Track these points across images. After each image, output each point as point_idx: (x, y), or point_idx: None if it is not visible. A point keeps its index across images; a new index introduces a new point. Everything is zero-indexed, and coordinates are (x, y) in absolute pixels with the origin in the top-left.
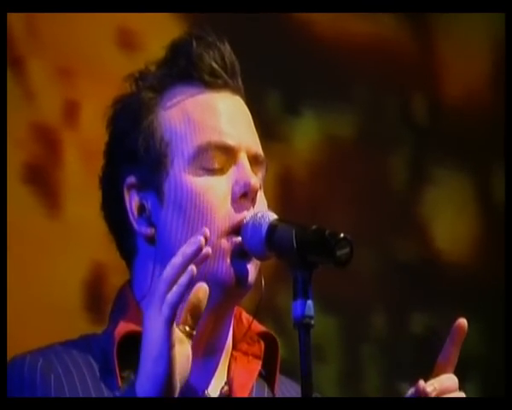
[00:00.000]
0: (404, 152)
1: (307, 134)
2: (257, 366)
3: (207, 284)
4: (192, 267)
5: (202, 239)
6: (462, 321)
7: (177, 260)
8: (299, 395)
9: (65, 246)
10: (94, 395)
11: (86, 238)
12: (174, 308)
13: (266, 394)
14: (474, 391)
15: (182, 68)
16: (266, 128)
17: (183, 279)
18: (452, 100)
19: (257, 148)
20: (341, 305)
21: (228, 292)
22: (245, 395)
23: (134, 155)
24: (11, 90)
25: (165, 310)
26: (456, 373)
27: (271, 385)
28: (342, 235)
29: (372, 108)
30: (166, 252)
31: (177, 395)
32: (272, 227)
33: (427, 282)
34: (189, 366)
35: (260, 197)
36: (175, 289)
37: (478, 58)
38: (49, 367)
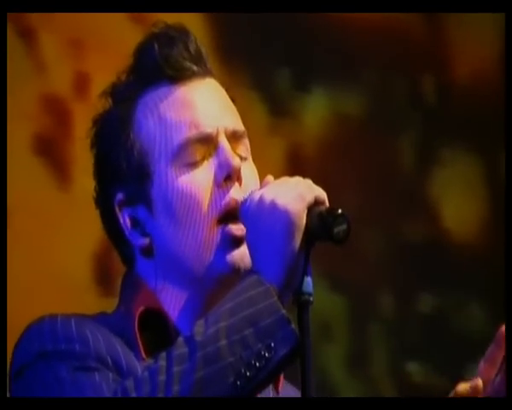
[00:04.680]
0: (413, 133)
1: (317, 111)
2: None
3: (203, 278)
4: None
5: None
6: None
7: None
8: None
9: (75, 218)
10: (123, 357)
11: (96, 211)
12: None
13: (271, 394)
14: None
15: (148, 72)
16: (276, 105)
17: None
18: (461, 81)
19: (234, 124)
20: (350, 285)
21: (226, 282)
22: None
23: (118, 172)
24: (22, 62)
25: (311, 196)
26: (463, 354)
27: (276, 384)
28: (340, 211)
29: (381, 89)
30: (164, 259)
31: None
32: None
33: (434, 262)
34: None
35: (248, 170)
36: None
37: (487, 39)
38: (82, 323)
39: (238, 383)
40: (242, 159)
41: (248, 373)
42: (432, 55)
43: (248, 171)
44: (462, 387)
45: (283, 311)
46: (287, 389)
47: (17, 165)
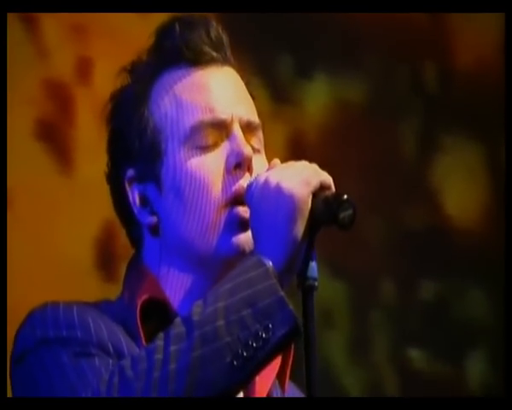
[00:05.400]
0: (415, 120)
1: (319, 98)
2: (277, 361)
3: (209, 260)
4: None
5: None
6: None
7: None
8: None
9: (77, 203)
10: (125, 345)
11: (98, 196)
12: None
13: (279, 392)
14: (485, 361)
15: (168, 53)
16: (278, 91)
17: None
18: (463, 68)
19: (249, 115)
20: (351, 272)
21: (230, 267)
22: (266, 388)
23: (130, 149)
24: (24, 47)
25: (316, 181)
26: (464, 340)
27: (282, 382)
28: (345, 197)
29: (383, 76)
30: (170, 239)
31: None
32: None
33: (436, 249)
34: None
35: (260, 162)
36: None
37: (489, 26)
38: (84, 311)
39: (235, 363)
40: (255, 150)
41: (245, 353)
42: (434, 43)
43: (260, 163)
44: None
45: (282, 293)
46: (292, 390)
47: (19, 150)
